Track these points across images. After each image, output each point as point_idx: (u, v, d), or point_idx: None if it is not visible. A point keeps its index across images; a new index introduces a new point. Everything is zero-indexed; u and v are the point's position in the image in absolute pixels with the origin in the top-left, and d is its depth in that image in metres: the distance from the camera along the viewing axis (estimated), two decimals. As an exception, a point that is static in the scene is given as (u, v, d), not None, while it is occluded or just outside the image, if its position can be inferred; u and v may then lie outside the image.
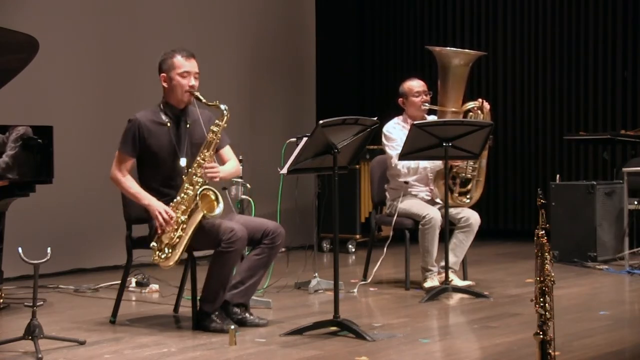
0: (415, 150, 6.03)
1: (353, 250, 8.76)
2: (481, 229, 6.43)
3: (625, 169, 7.51)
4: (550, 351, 3.46)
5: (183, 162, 5.01)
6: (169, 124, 5.05)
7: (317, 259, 6.71)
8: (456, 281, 6.21)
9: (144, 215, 5.10)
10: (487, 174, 6.59)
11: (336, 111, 6.15)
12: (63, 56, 7.29)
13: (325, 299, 6.03)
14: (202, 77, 5.13)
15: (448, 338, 5.04)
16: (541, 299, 3.46)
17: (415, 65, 10.10)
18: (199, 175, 4.92)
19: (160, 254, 4.92)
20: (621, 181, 7.56)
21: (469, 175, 6.50)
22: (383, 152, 6.58)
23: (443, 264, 6.09)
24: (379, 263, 6.53)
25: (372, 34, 10.63)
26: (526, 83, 9.75)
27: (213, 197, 4.90)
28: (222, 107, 4.94)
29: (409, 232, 6.40)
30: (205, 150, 4.94)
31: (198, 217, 4.87)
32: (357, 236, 8.86)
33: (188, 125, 5.08)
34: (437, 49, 6.68)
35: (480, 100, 6.45)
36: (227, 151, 5.22)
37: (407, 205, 6.36)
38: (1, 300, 5.64)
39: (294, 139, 6.06)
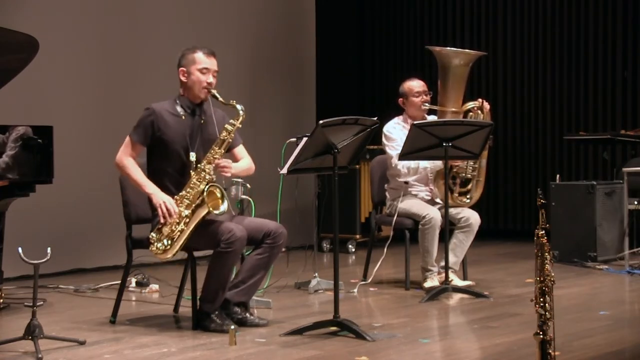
0: (415, 150, 6.03)
1: (353, 250, 8.75)
2: (481, 229, 6.43)
3: (625, 169, 7.50)
4: (550, 351, 3.46)
5: (193, 156, 5.00)
6: (184, 117, 5.05)
7: (317, 259, 6.71)
8: (456, 281, 6.21)
9: (144, 215, 5.10)
10: (487, 174, 6.58)
11: (336, 111, 6.15)
12: (63, 56, 7.29)
13: (325, 299, 6.03)
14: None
15: (448, 338, 5.03)
16: (541, 299, 3.46)
17: (415, 65, 10.10)
18: (207, 171, 4.92)
19: (159, 244, 4.91)
20: (621, 181, 7.55)
21: (469, 175, 6.49)
22: (383, 152, 6.57)
23: (443, 264, 6.09)
24: (379, 263, 6.53)
25: (372, 34, 10.62)
26: (526, 83, 9.75)
27: (219, 194, 4.91)
28: (239, 107, 4.95)
29: (409, 232, 6.39)
30: (217, 147, 4.94)
31: (202, 212, 4.87)
32: (357, 236, 8.85)
33: (202, 121, 5.08)
34: (437, 49, 6.68)
35: (480, 100, 6.45)
36: (240, 150, 5.24)
37: (407, 205, 6.36)
38: (1, 300, 5.64)
39: (294, 139, 6.06)
